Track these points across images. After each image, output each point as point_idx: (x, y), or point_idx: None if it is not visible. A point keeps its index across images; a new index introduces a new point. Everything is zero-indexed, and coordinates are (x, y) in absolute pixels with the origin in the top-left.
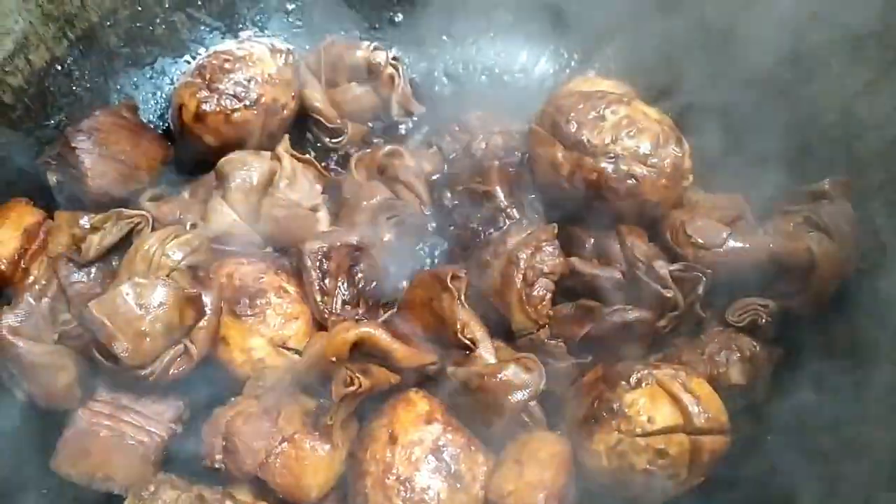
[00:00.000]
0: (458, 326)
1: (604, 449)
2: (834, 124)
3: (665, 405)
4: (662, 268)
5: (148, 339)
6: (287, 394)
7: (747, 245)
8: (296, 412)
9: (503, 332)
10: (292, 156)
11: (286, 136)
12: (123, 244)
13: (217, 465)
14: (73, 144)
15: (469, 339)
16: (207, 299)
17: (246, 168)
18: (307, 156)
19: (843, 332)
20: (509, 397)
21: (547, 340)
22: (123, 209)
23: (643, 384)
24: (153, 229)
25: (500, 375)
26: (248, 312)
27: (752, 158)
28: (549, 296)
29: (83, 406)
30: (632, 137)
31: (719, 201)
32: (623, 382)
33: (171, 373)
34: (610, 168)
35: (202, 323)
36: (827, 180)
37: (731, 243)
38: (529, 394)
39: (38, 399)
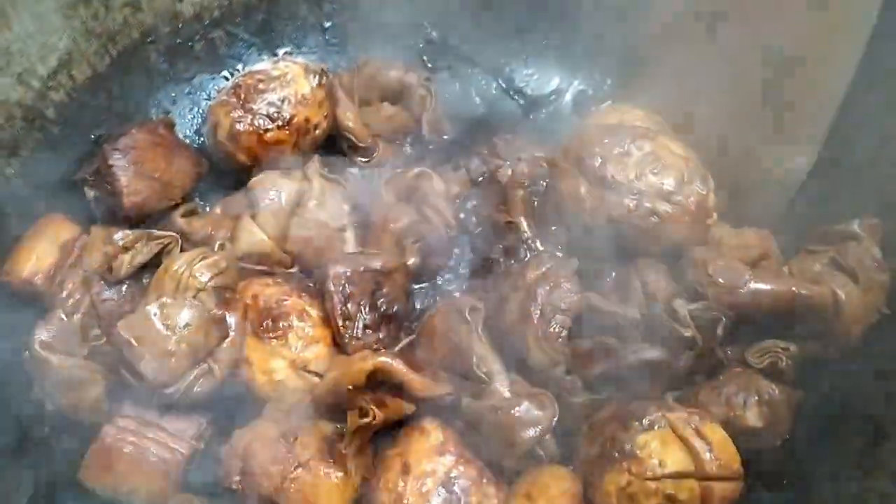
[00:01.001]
0: (474, 360)
1: (614, 489)
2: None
3: (676, 450)
4: (682, 307)
5: (173, 359)
6: (305, 418)
7: (770, 287)
8: (313, 437)
9: (520, 364)
10: (322, 176)
11: (317, 157)
12: (154, 262)
13: (234, 487)
14: (109, 162)
15: (484, 373)
16: (232, 320)
17: (276, 189)
18: (336, 177)
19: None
20: (521, 433)
21: (563, 376)
22: (154, 230)
23: (656, 427)
24: (182, 249)
25: (513, 411)
26: (271, 335)
27: None
28: (565, 333)
29: (109, 422)
30: (656, 174)
31: (746, 238)
32: (636, 423)
33: (195, 391)
34: (633, 205)
35: (226, 344)
36: (856, 221)
37: (753, 285)
38: (541, 431)
39: (67, 411)
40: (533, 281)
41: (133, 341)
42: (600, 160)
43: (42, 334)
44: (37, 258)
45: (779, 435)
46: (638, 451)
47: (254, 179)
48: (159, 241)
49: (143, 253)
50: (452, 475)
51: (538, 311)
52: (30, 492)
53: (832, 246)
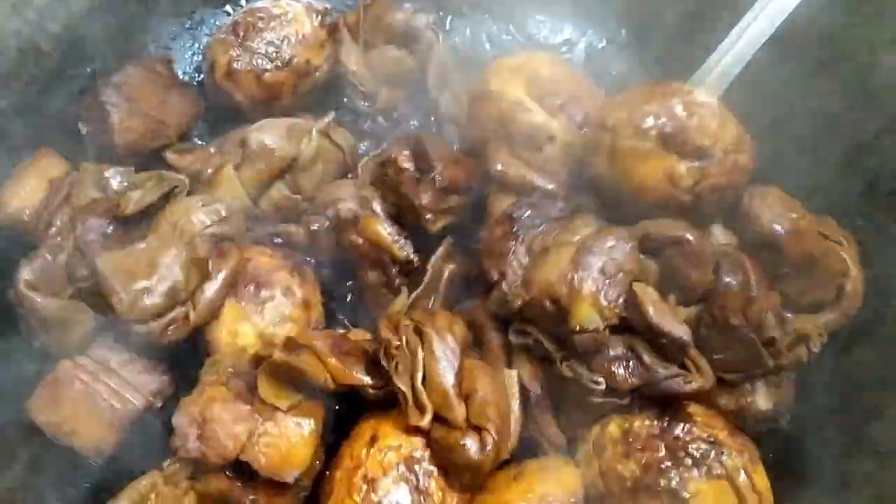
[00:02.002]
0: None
1: None
2: None
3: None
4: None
5: (150, 298)
6: (255, 376)
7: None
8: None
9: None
10: (327, 137)
11: (332, 115)
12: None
13: (194, 454)
14: (102, 98)
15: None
16: (220, 273)
17: (270, 148)
18: (339, 143)
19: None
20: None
21: (606, 338)
22: (165, 171)
23: (713, 471)
24: (189, 194)
25: (452, 441)
26: (250, 299)
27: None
28: (623, 296)
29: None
30: (723, 128)
31: None
32: (688, 460)
33: (167, 333)
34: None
35: (207, 290)
36: None
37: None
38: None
39: (52, 350)
40: (590, 237)
41: (109, 274)
42: (683, 129)
43: (26, 273)
44: (25, 194)
45: (785, 413)
46: (688, 497)
47: (252, 128)
48: (169, 182)
49: (153, 193)
50: (417, 455)
51: (599, 266)
52: None
53: None
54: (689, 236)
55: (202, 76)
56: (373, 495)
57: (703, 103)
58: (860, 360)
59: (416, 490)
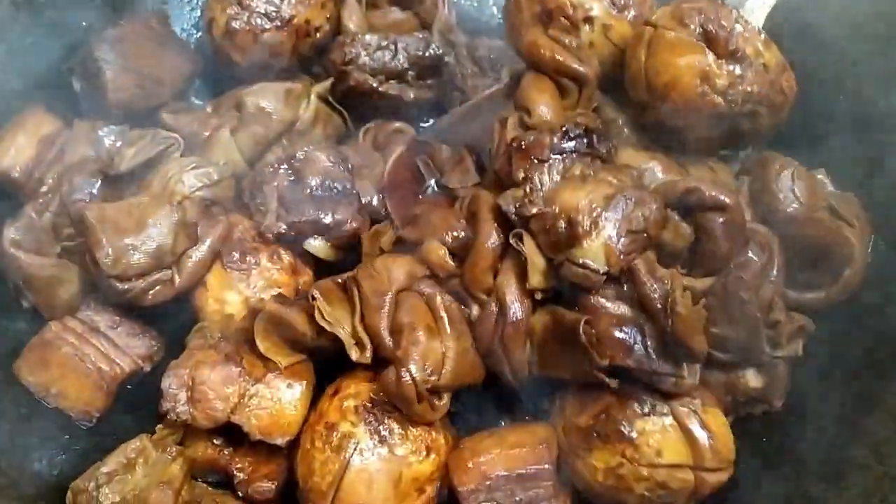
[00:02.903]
0: None
1: (602, 467)
2: None
3: (677, 441)
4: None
5: (135, 255)
6: (243, 341)
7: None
8: (256, 357)
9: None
10: (327, 102)
11: (330, 81)
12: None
13: (184, 418)
14: (95, 54)
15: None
16: (208, 237)
17: (267, 111)
18: (339, 107)
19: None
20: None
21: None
22: (160, 130)
23: (658, 412)
24: (183, 155)
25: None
26: (236, 266)
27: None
28: (635, 253)
29: (59, 319)
30: (768, 47)
31: None
32: (636, 405)
33: (149, 295)
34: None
35: (193, 255)
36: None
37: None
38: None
39: (42, 310)
40: (629, 187)
41: (96, 226)
42: (727, 30)
43: (11, 232)
44: (15, 151)
45: (779, 395)
46: (636, 437)
47: (248, 89)
48: (163, 141)
49: (146, 151)
50: (375, 398)
51: (625, 211)
52: None
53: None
54: (733, 203)
55: (199, 34)
56: (333, 439)
57: (751, 21)
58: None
59: (376, 431)
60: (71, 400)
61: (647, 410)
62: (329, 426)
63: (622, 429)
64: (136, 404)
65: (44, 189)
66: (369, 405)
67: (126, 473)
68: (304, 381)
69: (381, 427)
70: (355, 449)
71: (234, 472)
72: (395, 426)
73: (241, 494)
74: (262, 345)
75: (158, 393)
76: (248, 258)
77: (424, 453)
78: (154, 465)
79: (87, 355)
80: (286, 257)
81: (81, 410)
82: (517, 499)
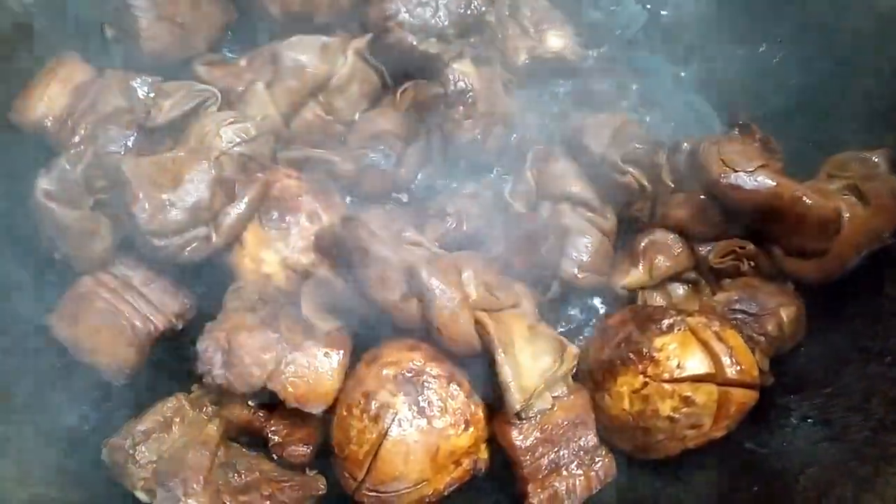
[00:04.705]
0: None
1: (627, 391)
2: None
3: (696, 353)
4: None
5: (172, 211)
6: (281, 305)
7: (774, 183)
8: (295, 322)
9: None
10: (364, 59)
11: (369, 37)
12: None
13: (219, 382)
14: (128, 2)
15: None
16: (246, 194)
17: (303, 65)
18: (377, 64)
19: None
20: None
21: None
22: (197, 83)
23: (675, 329)
24: (220, 109)
25: None
26: (274, 225)
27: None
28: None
29: (93, 274)
30: None
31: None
32: (654, 326)
33: (186, 252)
34: None
35: (231, 212)
36: (879, 151)
37: (760, 176)
38: None
39: (74, 263)
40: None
41: (133, 181)
42: None
43: (44, 183)
44: (48, 100)
45: (791, 339)
46: (655, 354)
47: (284, 42)
48: (200, 94)
49: (182, 104)
50: (414, 366)
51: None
52: None
53: (854, 173)
54: None
55: None
56: (371, 407)
57: None
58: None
59: (415, 402)
60: (104, 356)
61: (664, 328)
62: (367, 395)
63: (642, 348)
64: (167, 362)
65: (76, 139)
66: (409, 374)
67: (163, 432)
68: (342, 350)
69: (419, 398)
70: (394, 419)
71: (269, 435)
72: (434, 398)
73: (275, 457)
74: (306, 307)
75: (194, 354)
76: (287, 217)
77: (463, 426)
78: (190, 424)
79: (122, 311)
80: (325, 216)
81: (115, 367)
82: (571, 448)
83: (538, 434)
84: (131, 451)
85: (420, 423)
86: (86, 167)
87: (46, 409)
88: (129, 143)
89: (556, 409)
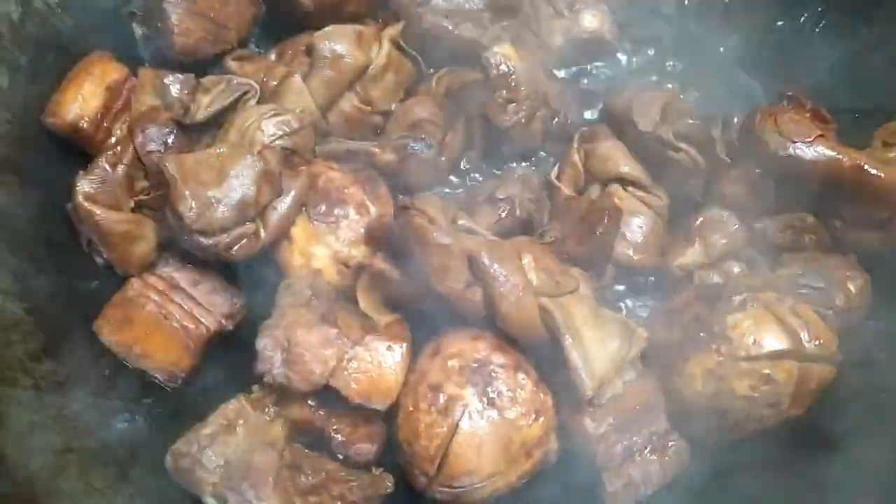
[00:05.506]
0: None
1: (700, 372)
2: None
3: (773, 328)
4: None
5: (219, 208)
6: (335, 299)
7: (835, 153)
8: (353, 316)
9: None
10: (399, 47)
11: (402, 24)
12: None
13: (280, 380)
14: None
15: None
16: (293, 188)
17: (339, 55)
18: (412, 52)
19: None
20: None
21: None
22: (234, 76)
23: (748, 305)
24: (259, 102)
25: None
26: (323, 219)
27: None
28: None
29: (140, 276)
30: None
31: None
32: (723, 304)
33: (234, 250)
34: None
35: (278, 207)
36: None
37: (820, 146)
38: None
39: (117, 267)
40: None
41: (178, 179)
42: None
43: (85, 186)
44: (82, 100)
45: (859, 312)
46: (729, 331)
47: (320, 33)
48: (239, 87)
49: (221, 99)
50: (480, 356)
51: None
52: None
53: None
54: None
55: None
56: (439, 400)
57: None
58: None
59: (484, 393)
60: (156, 360)
61: (736, 305)
62: (434, 387)
63: (713, 327)
64: (221, 362)
65: (112, 140)
66: (475, 365)
67: (227, 435)
68: (404, 343)
69: (488, 389)
70: (464, 412)
71: (332, 434)
72: (502, 388)
73: (339, 456)
74: (363, 301)
75: (253, 353)
76: (335, 210)
77: (534, 416)
78: (254, 426)
79: (172, 313)
80: (373, 208)
81: (167, 371)
82: (643, 434)
83: (611, 420)
84: (198, 456)
85: (491, 414)
86: (126, 167)
87: (100, 419)
88: (169, 142)
89: (626, 394)
